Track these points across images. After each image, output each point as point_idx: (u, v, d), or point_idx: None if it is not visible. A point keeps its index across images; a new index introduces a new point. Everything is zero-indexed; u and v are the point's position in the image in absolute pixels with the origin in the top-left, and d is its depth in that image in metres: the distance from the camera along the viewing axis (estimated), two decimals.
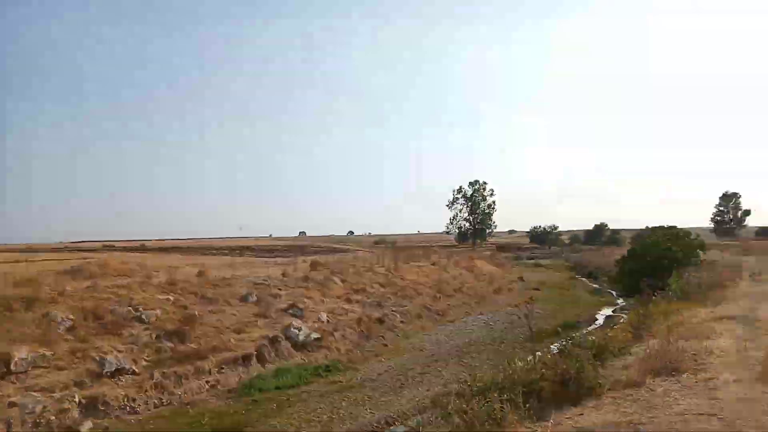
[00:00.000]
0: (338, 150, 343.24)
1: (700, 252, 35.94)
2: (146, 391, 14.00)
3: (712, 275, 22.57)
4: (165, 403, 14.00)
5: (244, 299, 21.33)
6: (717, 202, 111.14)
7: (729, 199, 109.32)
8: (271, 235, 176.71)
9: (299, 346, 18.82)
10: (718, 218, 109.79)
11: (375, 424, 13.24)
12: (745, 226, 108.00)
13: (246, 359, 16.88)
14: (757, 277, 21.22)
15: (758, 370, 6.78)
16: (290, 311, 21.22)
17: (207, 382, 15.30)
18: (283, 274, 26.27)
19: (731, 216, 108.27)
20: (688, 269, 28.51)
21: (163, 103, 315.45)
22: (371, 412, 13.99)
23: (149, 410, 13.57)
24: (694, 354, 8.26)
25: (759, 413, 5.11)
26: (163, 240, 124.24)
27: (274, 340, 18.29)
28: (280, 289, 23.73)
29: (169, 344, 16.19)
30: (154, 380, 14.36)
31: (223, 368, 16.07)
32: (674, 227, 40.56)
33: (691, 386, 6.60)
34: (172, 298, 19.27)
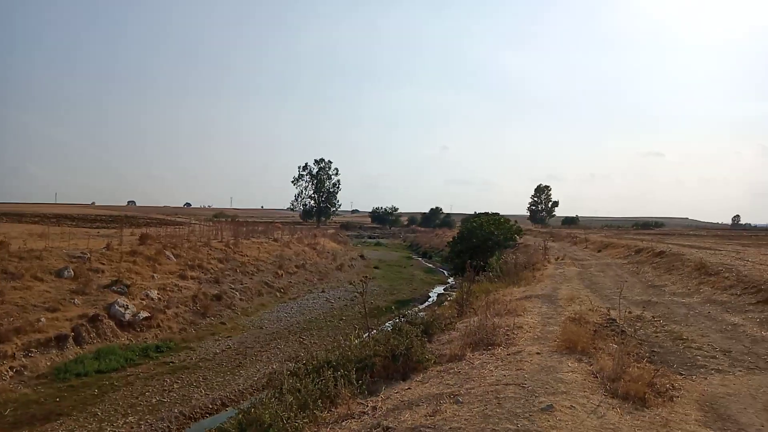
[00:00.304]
0: (181, 120, 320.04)
1: (517, 236, 40.55)
2: None
3: (525, 258, 25.61)
4: None
5: (59, 274, 18.99)
6: (532, 193, 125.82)
7: (541, 192, 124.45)
8: (93, 203, 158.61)
9: (126, 325, 17.39)
10: (533, 207, 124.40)
11: (209, 406, 12.86)
12: (554, 215, 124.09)
13: (61, 341, 15.12)
14: (560, 261, 24.57)
15: (555, 344, 7.93)
16: (115, 288, 19.43)
17: (11, 367, 13.40)
18: (107, 247, 23.89)
19: (543, 206, 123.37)
20: (507, 251, 32.06)
21: None
22: (206, 394, 13.55)
23: None
24: (507, 329, 9.34)
25: (553, 380, 6.01)
26: None
27: (94, 319, 16.64)
28: (102, 264, 21.54)
29: None
30: None
31: (31, 351, 14.21)
32: (497, 214, 45.19)
33: (503, 358, 7.44)
34: None
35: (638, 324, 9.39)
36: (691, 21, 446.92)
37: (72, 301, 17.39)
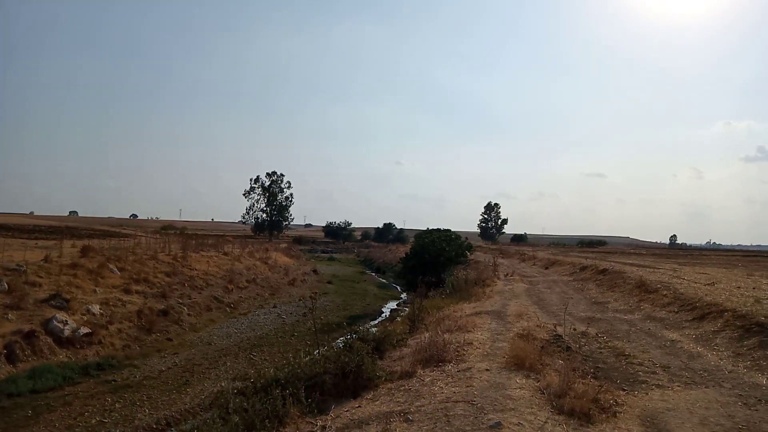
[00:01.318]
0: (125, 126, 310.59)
1: (468, 253, 41.24)
2: None
3: (476, 274, 26.06)
4: None
5: None
6: (482, 210, 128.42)
7: (491, 209, 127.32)
8: (32, 213, 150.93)
9: (64, 342, 16.50)
10: (483, 224, 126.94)
11: (153, 426, 12.34)
12: (503, 232, 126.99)
13: None
14: (509, 277, 25.14)
15: (504, 360, 8.09)
16: (53, 302, 18.44)
17: None
18: (46, 260, 22.73)
19: (493, 223, 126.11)
20: (459, 267, 32.53)
21: None
22: (150, 413, 13.00)
23: None
24: (458, 345, 9.45)
25: (501, 397, 6.13)
26: None
27: (30, 336, 15.70)
28: (40, 277, 20.44)
29: None
30: None
31: None
32: (448, 230, 45.83)
33: (453, 375, 7.52)
34: None
35: (583, 340, 9.72)
36: (636, 50, 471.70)
37: (5, 316, 16.38)
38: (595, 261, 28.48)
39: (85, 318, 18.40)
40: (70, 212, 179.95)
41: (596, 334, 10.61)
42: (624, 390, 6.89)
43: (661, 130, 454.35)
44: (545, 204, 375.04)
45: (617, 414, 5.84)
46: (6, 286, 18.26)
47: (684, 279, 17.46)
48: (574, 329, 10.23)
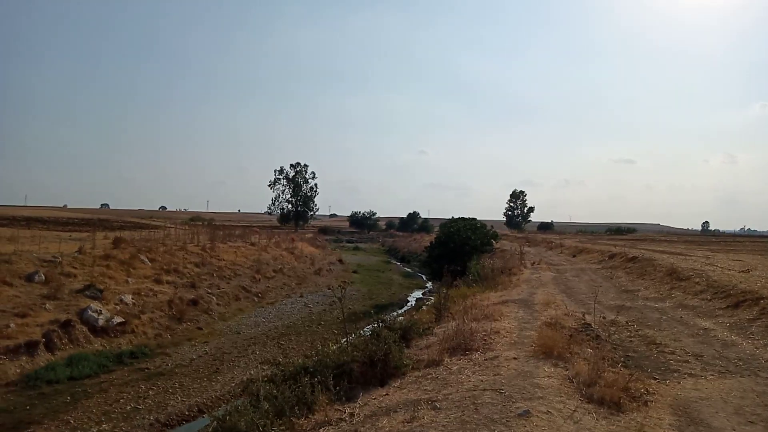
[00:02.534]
0: (153, 121, 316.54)
1: (494, 241, 40.94)
2: None
3: (502, 262, 25.88)
4: None
5: (29, 279, 18.50)
6: (508, 198, 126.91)
7: (517, 197, 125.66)
8: (65, 206, 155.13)
9: (99, 331, 16.99)
10: (509, 213, 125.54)
11: (186, 413, 12.66)
12: (529, 220, 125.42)
13: (31, 347, 14.69)
14: (536, 266, 24.89)
15: (531, 348, 8.03)
16: (88, 293, 19.00)
17: None
18: (80, 251, 23.38)
19: (519, 211, 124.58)
20: (485, 256, 32.34)
21: None
22: (182, 400, 13.33)
23: None
24: (485, 334, 9.42)
25: (529, 386, 6.08)
26: None
27: (66, 325, 16.21)
28: (75, 268, 21.07)
29: None
30: None
31: None
32: (474, 219, 45.53)
33: (480, 363, 7.50)
34: None
35: (613, 329, 9.58)
36: (665, 33, 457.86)
37: (43, 306, 16.96)
38: (624, 248, 27.99)
39: (119, 308, 18.90)
40: (102, 205, 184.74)
41: (626, 323, 10.45)
42: (655, 379, 6.78)
43: (693, 114, 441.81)
44: (572, 191, 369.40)
45: (648, 403, 5.76)
46: (43, 277, 18.87)
47: (717, 266, 17.04)
48: (604, 317, 10.11)
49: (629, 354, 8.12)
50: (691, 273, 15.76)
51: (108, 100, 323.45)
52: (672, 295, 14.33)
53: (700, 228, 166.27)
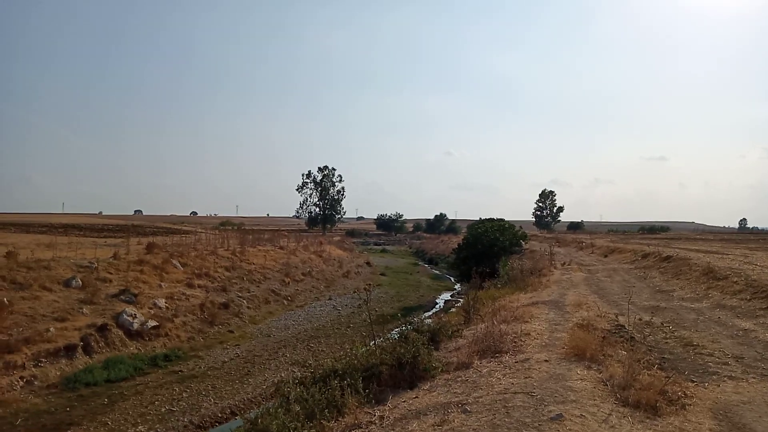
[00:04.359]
0: (184, 127, 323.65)
1: (523, 242, 40.44)
2: None
3: (532, 263, 25.51)
4: None
5: (67, 284, 19.08)
6: (536, 199, 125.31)
7: (546, 197, 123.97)
8: (101, 213, 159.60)
9: (134, 335, 17.41)
10: (538, 213, 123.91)
11: (219, 415, 12.86)
12: (559, 220, 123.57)
13: (70, 350, 15.16)
14: (567, 266, 24.48)
15: (563, 351, 7.88)
16: (123, 297, 19.50)
17: (21, 377, 13.44)
18: (115, 257, 24.02)
19: (548, 211, 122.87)
20: (513, 257, 31.97)
21: None
22: (215, 402, 13.55)
23: None
24: (515, 336, 9.29)
25: (562, 389, 5.97)
26: None
27: (103, 329, 16.67)
28: (110, 273, 21.64)
29: None
30: None
31: (41, 361, 14.25)
32: (502, 219, 45.11)
33: (511, 366, 7.39)
34: None
35: (647, 330, 9.35)
36: (695, 23, 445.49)
37: (80, 310, 17.47)
38: (657, 248, 27.30)
39: (152, 311, 19.33)
40: (135, 211, 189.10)
41: (661, 324, 10.19)
42: (693, 382, 6.58)
43: (728, 108, 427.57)
44: (602, 190, 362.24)
45: (686, 407, 5.58)
46: (80, 282, 19.43)
47: (756, 265, 16.47)
48: (638, 319, 9.88)
49: (665, 356, 7.91)
50: (728, 272, 15.27)
51: (144, 112, 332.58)
52: (709, 295, 13.90)
53: (737, 226, 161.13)
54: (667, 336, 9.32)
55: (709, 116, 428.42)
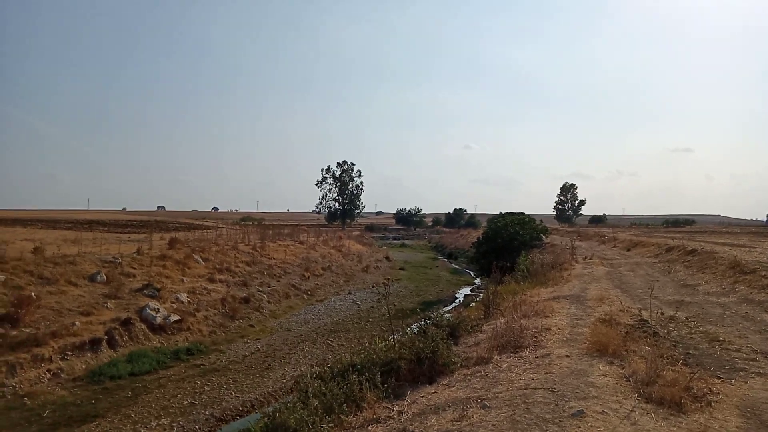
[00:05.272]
0: (203, 124, 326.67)
1: (543, 236, 40.00)
2: None
3: (552, 257, 25.22)
4: None
5: (92, 279, 19.47)
6: (557, 192, 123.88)
7: (567, 190, 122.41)
8: (125, 209, 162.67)
9: (157, 329, 17.69)
10: (559, 206, 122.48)
11: (240, 408, 13.00)
12: (580, 214, 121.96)
13: (95, 344, 15.48)
14: (588, 260, 24.12)
15: (585, 346, 7.76)
16: (146, 291, 19.84)
17: (48, 370, 13.77)
18: (138, 252, 24.42)
19: (569, 205, 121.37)
20: (534, 251, 31.64)
21: None
22: (236, 396, 13.70)
23: None
24: (535, 331, 9.17)
25: (583, 384, 5.87)
26: None
27: (127, 323, 16.98)
28: (134, 268, 22.03)
29: None
30: None
31: (67, 355, 14.57)
32: (522, 213, 44.62)
33: (531, 361, 7.29)
34: (2, 277, 17.00)
35: (671, 325, 9.14)
36: (721, 11, 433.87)
37: (105, 305, 17.81)
38: (682, 241, 26.75)
39: (175, 306, 19.62)
40: (158, 207, 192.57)
41: (686, 319, 9.95)
42: (719, 378, 6.40)
43: (756, 98, 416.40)
44: (624, 183, 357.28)
45: (712, 404, 5.43)
46: (104, 277, 19.80)
47: None
48: (662, 313, 9.68)
49: (690, 351, 7.72)
50: (756, 266, 14.88)
51: (165, 109, 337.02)
52: (736, 289, 13.55)
53: (765, 219, 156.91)
54: (692, 331, 9.11)
55: (736, 107, 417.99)
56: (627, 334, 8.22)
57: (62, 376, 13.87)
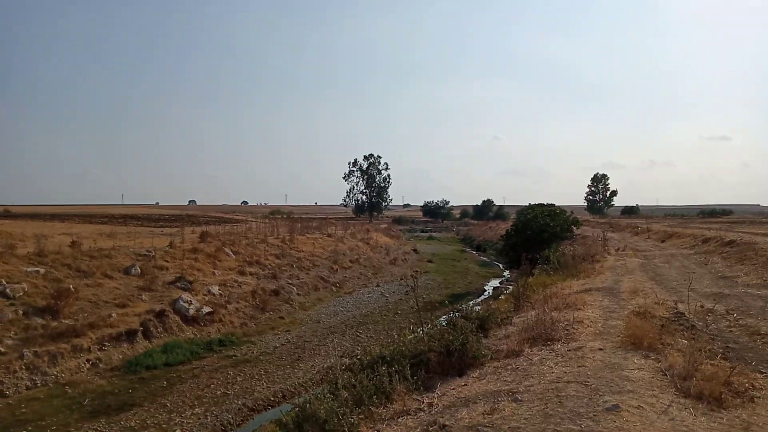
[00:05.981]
0: (229, 120, 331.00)
1: (574, 227, 39.30)
2: (15, 372, 12.75)
3: (584, 249, 24.77)
4: (39, 385, 12.84)
5: (127, 272, 20.00)
6: (588, 183, 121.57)
7: (598, 181, 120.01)
8: (157, 203, 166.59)
9: (190, 320, 18.08)
10: (590, 197, 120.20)
11: (271, 398, 13.19)
12: (612, 204, 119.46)
13: (131, 335, 15.91)
14: (621, 252, 23.63)
15: (618, 339, 7.59)
16: (178, 284, 20.28)
17: (87, 360, 14.24)
18: (171, 245, 24.94)
19: (601, 196, 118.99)
20: (565, 243, 31.12)
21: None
22: (267, 386, 13.91)
23: (20, 392, 12.38)
24: (567, 324, 9.02)
25: (618, 378, 5.74)
26: (34, 206, 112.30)
27: (161, 315, 17.39)
28: (166, 261, 22.53)
29: (40, 321, 14.81)
30: (24, 360, 13.10)
31: (104, 345, 15.03)
32: (552, 205, 43.89)
33: (563, 354, 7.17)
34: (42, 270, 17.56)
35: (709, 318, 8.87)
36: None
37: (139, 297, 18.27)
38: (719, 232, 25.96)
39: (207, 298, 20.00)
40: (190, 201, 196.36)
41: (725, 311, 9.66)
42: (762, 373, 6.18)
43: None
44: (658, 173, 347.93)
45: (755, 399, 5.25)
46: (139, 270, 20.31)
47: None
48: (699, 306, 9.39)
49: (729, 345, 7.48)
50: None
51: (194, 105, 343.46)
52: None
53: None
54: (732, 324, 8.82)
55: None
56: (663, 327, 8.02)
57: (100, 365, 14.32)
